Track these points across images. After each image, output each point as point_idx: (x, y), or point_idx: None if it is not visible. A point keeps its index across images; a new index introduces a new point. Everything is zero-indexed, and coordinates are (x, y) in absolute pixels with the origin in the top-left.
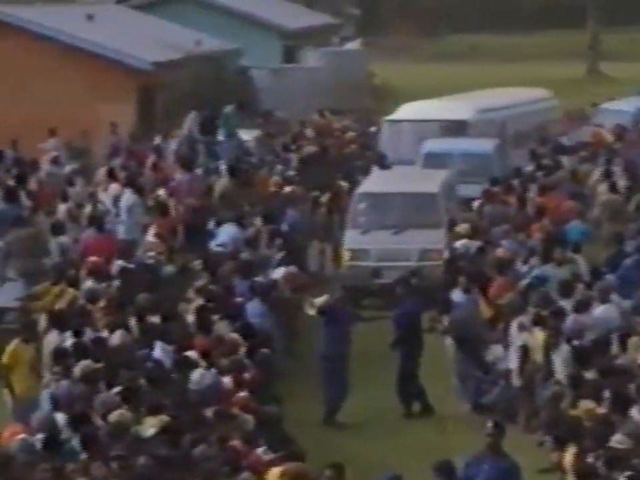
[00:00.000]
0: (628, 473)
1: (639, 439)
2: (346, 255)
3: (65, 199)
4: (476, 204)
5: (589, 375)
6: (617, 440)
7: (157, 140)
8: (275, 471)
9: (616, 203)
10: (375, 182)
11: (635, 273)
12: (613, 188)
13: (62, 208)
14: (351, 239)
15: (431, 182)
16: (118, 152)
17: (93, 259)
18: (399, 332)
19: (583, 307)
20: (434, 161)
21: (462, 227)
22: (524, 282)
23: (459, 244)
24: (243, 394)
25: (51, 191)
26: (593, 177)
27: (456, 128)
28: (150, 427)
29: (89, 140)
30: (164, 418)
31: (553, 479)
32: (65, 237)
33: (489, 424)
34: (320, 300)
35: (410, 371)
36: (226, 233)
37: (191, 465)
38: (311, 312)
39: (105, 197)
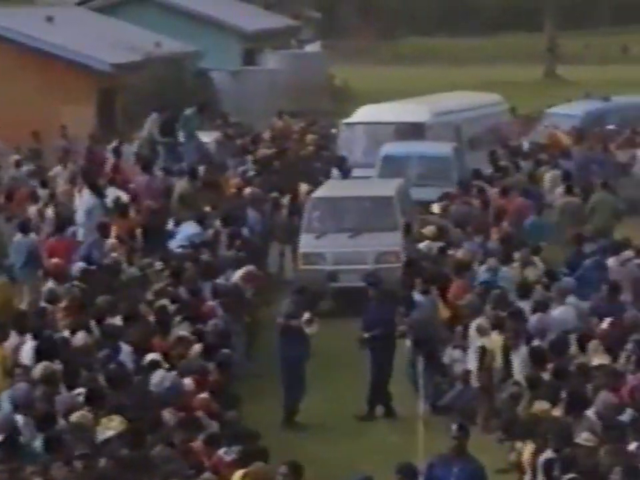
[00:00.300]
0: (570, 476)
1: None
2: (301, 259)
3: (35, 200)
4: (435, 207)
5: (546, 376)
6: (584, 438)
7: (114, 142)
8: (238, 473)
9: (573, 204)
10: (330, 187)
11: (594, 274)
12: (570, 190)
13: (32, 209)
14: (306, 242)
15: (386, 186)
16: (68, 155)
17: (54, 260)
18: (372, 336)
19: (542, 307)
20: (392, 164)
21: (427, 229)
22: (476, 282)
23: (422, 245)
24: (203, 395)
25: (15, 193)
26: (550, 179)
27: (413, 131)
28: (106, 428)
29: (40, 142)
30: (118, 419)
31: (511, 479)
32: (34, 235)
33: (454, 426)
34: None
35: (385, 376)
36: (184, 233)
37: (150, 466)
38: (310, 330)
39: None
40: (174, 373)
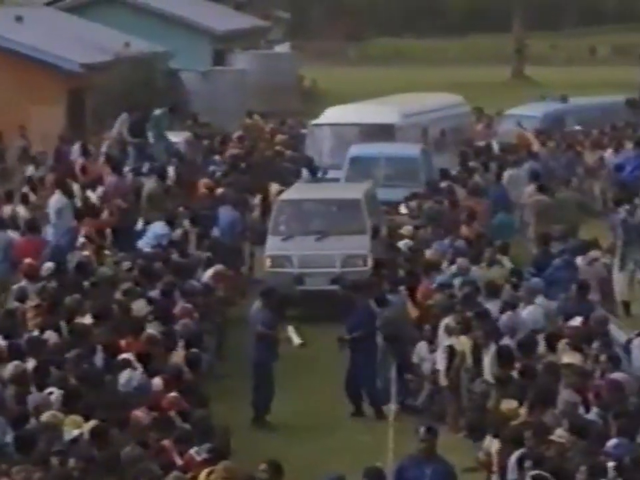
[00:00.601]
0: (533, 473)
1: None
2: (267, 262)
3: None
4: (402, 207)
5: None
6: (558, 434)
7: (77, 143)
8: (204, 471)
9: (543, 204)
10: (298, 190)
11: (562, 274)
12: (540, 189)
13: (7, 208)
14: (273, 245)
15: (354, 189)
16: (26, 154)
17: (28, 260)
18: (353, 338)
19: (511, 307)
20: (359, 165)
21: (405, 229)
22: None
23: (401, 244)
24: (173, 394)
25: None
26: (508, 178)
27: (383, 132)
28: (73, 428)
29: (2, 142)
30: (77, 419)
31: (479, 478)
32: (10, 232)
33: (422, 429)
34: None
35: (367, 377)
36: (152, 232)
37: (118, 465)
38: (296, 342)
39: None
40: (139, 371)
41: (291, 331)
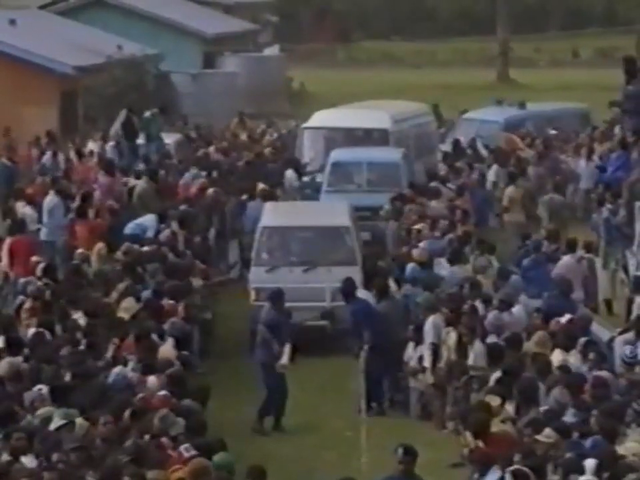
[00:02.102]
0: (512, 468)
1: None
2: (252, 295)
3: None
4: (383, 211)
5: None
6: (545, 434)
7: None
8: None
9: (556, 202)
10: (281, 214)
11: (533, 274)
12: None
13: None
14: (257, 277)
15: (339, 213)
16: (11, 151)
17: (35, 259)
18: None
19: (505, 306)
20: (341, 170)
21: (418, 253)
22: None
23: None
24: (163, 392)
25: None
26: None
27: (377, 137)
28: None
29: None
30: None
31: (464, 473)
32: None
33: (400, 450)
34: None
35: (380, 376)
36: (140, 222)
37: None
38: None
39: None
40: (129, 368)
41: (286, 349)
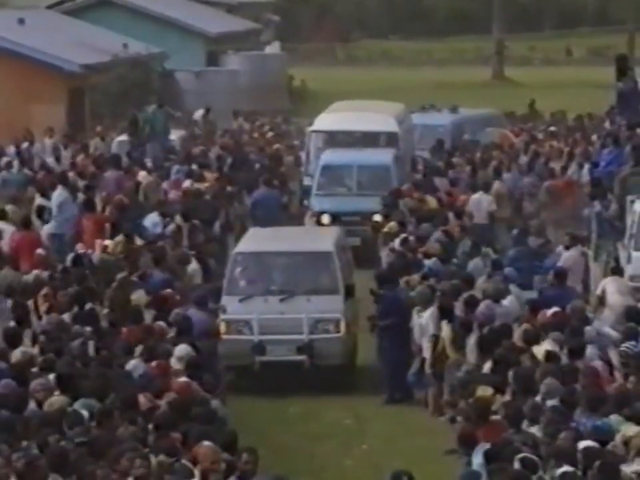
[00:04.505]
0: (520, 455)
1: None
2: (222, 327)
3: None
4: (376, 216)
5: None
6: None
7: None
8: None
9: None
10: (256, 239)
11: (519, 265)
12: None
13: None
14: (229, 307)
15: (323, 238)
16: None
17: (39, 251)
18: (385, 325)
19: (499, 296)
20: (331, 173)
21: (431, 246)
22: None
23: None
24: (183, 379)
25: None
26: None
27: (386, 140)
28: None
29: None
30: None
31: (459, 460)
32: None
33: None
34: None
35: (401, 362)
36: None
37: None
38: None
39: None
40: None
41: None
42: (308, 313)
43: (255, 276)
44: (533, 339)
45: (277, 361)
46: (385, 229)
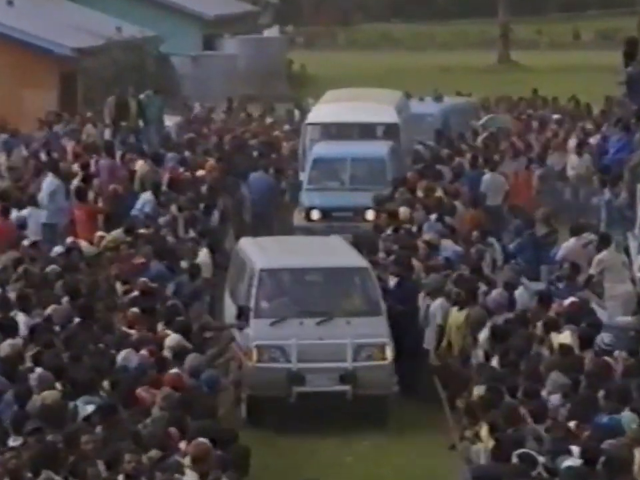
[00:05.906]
0: (519, 451)
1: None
2: (254, 355)
3: None
4: (369, 213)
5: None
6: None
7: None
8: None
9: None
10: (276, 253)
11: (521, 257)
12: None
13: None
14: (260, 331)
15: (350, 252)
16: None
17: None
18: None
19: (510, 287)
20: (323, 167)
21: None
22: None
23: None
24: (174, 371)
25: None
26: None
27: (387, 131)
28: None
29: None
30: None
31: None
32: None
33: None
34: None
35: (411, 355)
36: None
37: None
38: None
39: None
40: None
41: None
42: (351, 337)
43: (285, 296)
44: (554, 326)
45: (316, 392)
46: (400, 217)
